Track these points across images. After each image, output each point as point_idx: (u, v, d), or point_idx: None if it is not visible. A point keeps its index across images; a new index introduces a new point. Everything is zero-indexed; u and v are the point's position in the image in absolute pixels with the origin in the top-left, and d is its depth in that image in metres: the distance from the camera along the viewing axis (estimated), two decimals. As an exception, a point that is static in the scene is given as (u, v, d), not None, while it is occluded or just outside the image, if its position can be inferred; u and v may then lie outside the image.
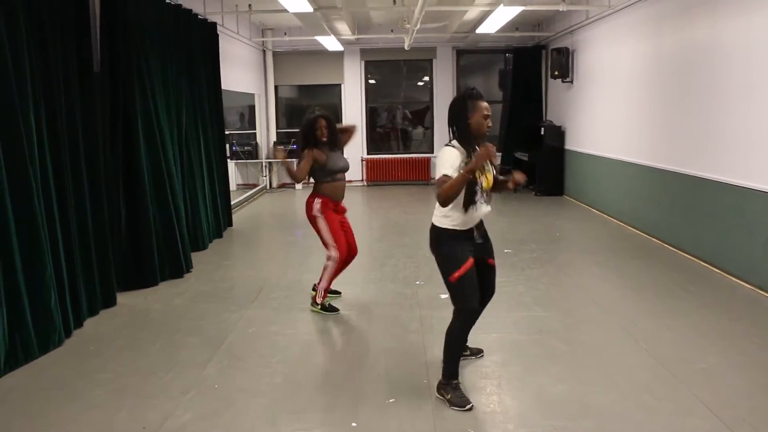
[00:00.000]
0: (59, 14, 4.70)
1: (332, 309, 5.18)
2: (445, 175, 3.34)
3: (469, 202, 3.41)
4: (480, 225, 3.61)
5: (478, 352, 4.18)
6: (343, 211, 5.30)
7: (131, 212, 5.86)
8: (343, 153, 5.22)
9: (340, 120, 13.33)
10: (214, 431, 3.31)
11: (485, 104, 3.45)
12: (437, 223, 3.53)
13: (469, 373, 3.78)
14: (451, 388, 3.55)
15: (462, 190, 3.34)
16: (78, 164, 4.92)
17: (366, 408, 3.53)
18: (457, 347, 3.61)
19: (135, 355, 4.32)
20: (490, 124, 3.48)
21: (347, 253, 5.20)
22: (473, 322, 3.63)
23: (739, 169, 5.79)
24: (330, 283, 5.19)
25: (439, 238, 3.52)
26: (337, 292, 5.51)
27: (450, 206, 3.40)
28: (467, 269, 3.45)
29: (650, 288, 5.70)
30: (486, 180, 3.50)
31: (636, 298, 5.45)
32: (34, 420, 3.44)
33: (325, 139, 5.02)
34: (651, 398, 3.57)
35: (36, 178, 4.30)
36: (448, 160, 3.38)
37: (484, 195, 3.50)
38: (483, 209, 3.52)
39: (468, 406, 3.46)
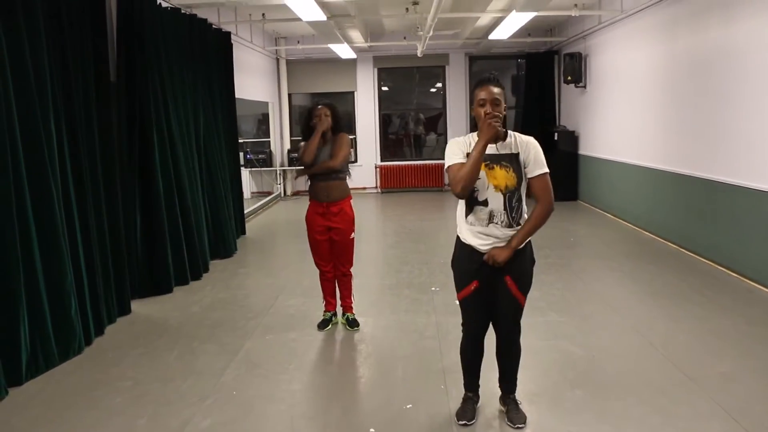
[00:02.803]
0: (77, 24, 4.77)
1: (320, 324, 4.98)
2: (449, 166, 3.13)
3: (468, 207, 3.19)
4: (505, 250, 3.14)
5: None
6: (336, 213, 4.86)
7: (146, 220, 5.94)
8: (333, 148, 4.71)
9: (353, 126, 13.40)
10: (233, 437, 3.35)
11: (483, 92, 3.07)
12: (457, 231, 3.35)
13: (486, 379, 3.78)
14: (462, 398, 3.52)
15: (476, 172, 3.03)
16: (102, 173, 5.00)
17: (383, 414, 3.55)
18: (463, 360, 3.49)
19: (154, 363, 4.36)
20: (488, 110, 3.04)
21: (323, 268, 4.94)
22: (476, 346, 3.41)
23: (755, 172, 5.75)
24: (324, 293, 5.01)
25: (454, 248, 3.37)
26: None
27: (459, 210, 3.27)
28: (469, 292, 3.29)
29: (666, 292, 5.68)
30: (494, 178, 3.12)
31: (652, 303, 5.43)
32: (56, 427, 3.49)
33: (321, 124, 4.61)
34: (668, 402, 3.56)
35: (57, 187, 4.37)
36: (447, 153, 3.18)
37: (504, 209, 3.12)
38: (494, 230, 3.13)
39: (459, 421, 3.37)
